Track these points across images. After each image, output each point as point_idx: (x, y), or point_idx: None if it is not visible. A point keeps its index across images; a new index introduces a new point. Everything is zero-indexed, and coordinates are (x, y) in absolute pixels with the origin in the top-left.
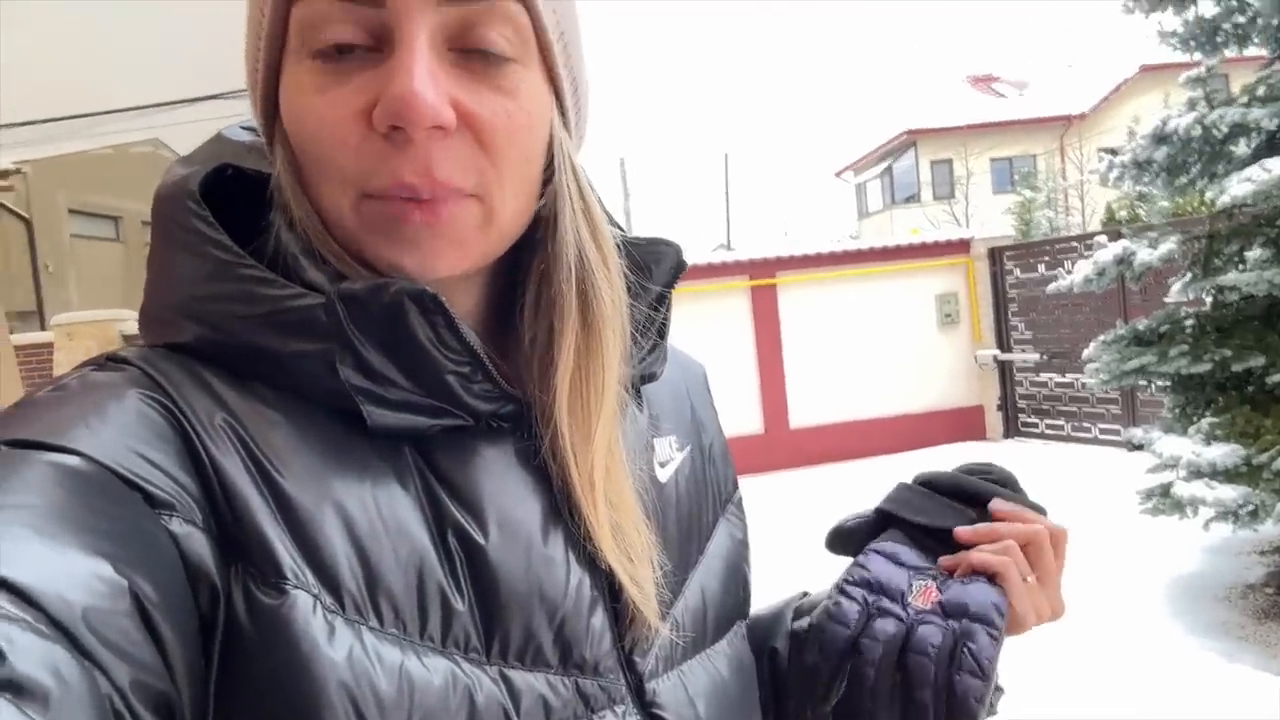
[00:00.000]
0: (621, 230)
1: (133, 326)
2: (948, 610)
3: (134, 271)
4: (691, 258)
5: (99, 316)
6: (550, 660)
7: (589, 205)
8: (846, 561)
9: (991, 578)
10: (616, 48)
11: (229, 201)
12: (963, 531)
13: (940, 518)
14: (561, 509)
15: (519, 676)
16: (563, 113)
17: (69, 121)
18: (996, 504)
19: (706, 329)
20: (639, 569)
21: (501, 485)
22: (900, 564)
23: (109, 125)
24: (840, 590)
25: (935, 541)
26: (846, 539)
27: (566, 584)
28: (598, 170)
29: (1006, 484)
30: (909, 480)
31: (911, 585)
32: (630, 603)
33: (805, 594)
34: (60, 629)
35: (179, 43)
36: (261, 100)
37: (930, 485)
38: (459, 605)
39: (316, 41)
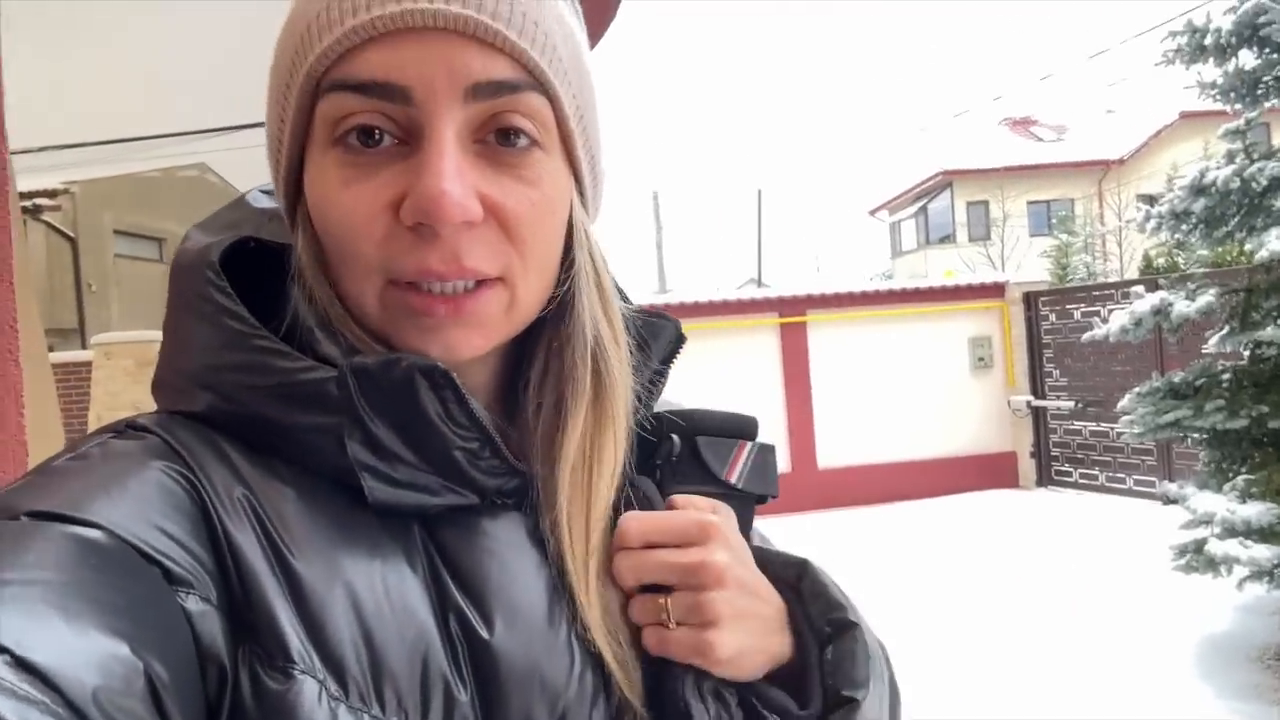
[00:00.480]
0: (628, 303)
1: None
2: None
3: None
4: (721, 293)
5: (137, 337)
6: None
7: (603, 283)
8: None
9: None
10: (652, 81)
11: (248, 266)
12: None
13: None
14: (561, 588)
15: None
16: (581, 192)
17: (118, 145)
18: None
19: (734, 365)
20: (626, 652)
21: (506, 569)
22: None
23: (157, 149)
24: None
25: None
26: None
27: (570, 673)
28: (631, 203)
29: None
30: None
31: None
32: (617, 689)
33: None
34: (75, 711)
35: (227, 70)
36: (284, 179)
37: None
38: (461, 696)
39: (345, 136)
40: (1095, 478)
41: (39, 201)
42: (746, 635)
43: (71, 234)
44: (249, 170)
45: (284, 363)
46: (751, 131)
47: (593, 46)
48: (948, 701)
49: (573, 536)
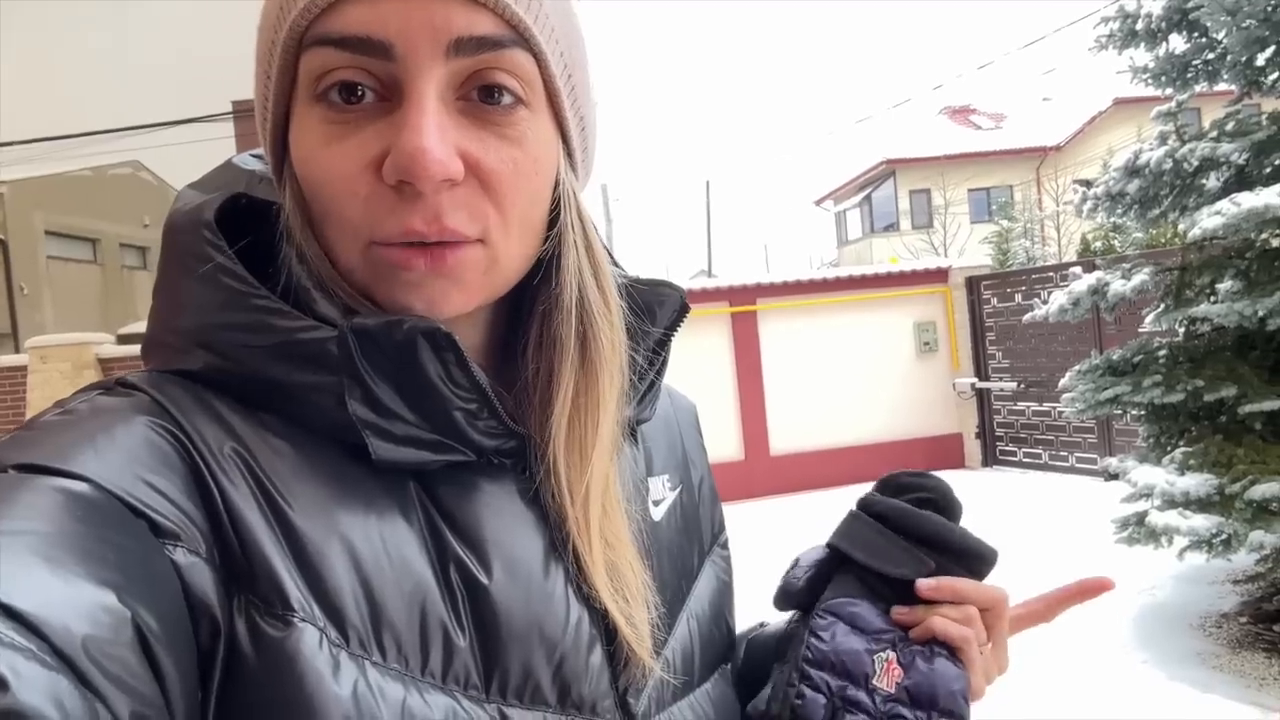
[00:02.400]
0: (624, 271)
1: (109, 350)
2: (914, 697)
3: (111, 294)
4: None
5: (74, 340)
6: (549, 699)
7: (592, 247)
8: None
9: (951, 649)
10: (599, 73)
11: (241, 228)
12: (925, 589)
13: (898, 564)
14: (559, 546)
15: (517, 715)
16: (569, 154)
17: (47, 143)
18: (946, 582)
19: (687, 355)
20: (634, 609)
21: (503, 522)
22: (859, 629)
23: (88, 147)
24: (802, 675)
25: (888, 585)
26: (798, 596)
27: (566, 621)
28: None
29: (947, 506)
30: (859, 509)
31: (874, 661)
32: (625, 643)
33: (763, 624)
34: (63, 659)
35: (158, 66)
36: (271, 140)
37: (883, 519)
38: (460, 641)
39: (326, 92)
40: (1039, 456)
41: None
42: None
43: (1, 236)
44: (184, 167)
45: (284, 322)
46: (699, 124)
47: None
48: None
49: (573, 499)
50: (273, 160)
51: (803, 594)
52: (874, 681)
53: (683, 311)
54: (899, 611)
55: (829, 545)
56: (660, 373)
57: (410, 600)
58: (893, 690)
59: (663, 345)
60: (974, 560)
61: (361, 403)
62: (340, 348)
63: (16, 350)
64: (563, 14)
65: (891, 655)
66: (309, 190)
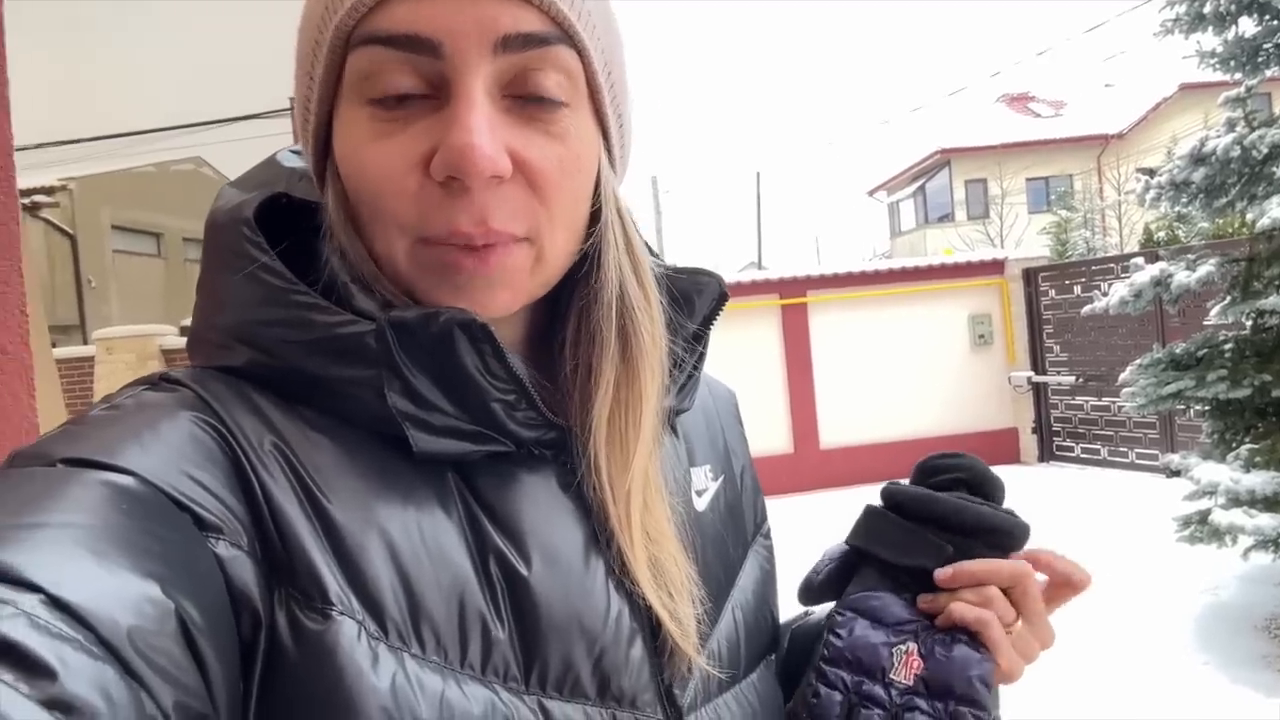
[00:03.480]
0: (661, 261)
1: (172, 341)
2: (932, 688)
3: (174, 287)
4: (722, 276)
5: (139, 331)
6: (588, 691)
7: (631, 242)
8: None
9: (972, 634)
10: (650, 64)
11: (281, 224)
12: (942, 577)
13: (915, 553)
14: (600, 539)
15: (557, 707)
16: (608, 150)
17: (113, 140)
18: (967, 565)
19: (737, 348)
20: (679, 605)
21: (543, 513)
22: (881, 623)
23: (152, 144)
24: (819, 674)
25: (912, 574)
26: (819, 591)
27: (606, 614)
28: (629, 189)
29: (980, 483)
30: (878, 503)
31: (893, 654)
32: (670, 639)
33: (807, 614)
34: (109, 649)
35: (219, 64)
36: (313, 137)
37: (901, 509)
38: (499, 633)
39: (374, 90)
40: (1097, 452)
41: (37, 199)
42: None
43: (70, 230)
44: (245, 162)
45: (322, 317)
46: (749, 114)
47: None
48: None
49: (615, 495)
50: (314, 160)
51: (825, 588)
52: (891, 675)
53: (721, 300)
54: (923, 600)
55: (846, 542)
56: (699, 363)
57: (449, 592)
58: (910, 682)
59: (700, 337)
60: (999, 536)
61: (401, 395)
62: (378, 341)
63: (84, 342)
64: (603, 12)
65: (913, 646)
66: (354, 188)
